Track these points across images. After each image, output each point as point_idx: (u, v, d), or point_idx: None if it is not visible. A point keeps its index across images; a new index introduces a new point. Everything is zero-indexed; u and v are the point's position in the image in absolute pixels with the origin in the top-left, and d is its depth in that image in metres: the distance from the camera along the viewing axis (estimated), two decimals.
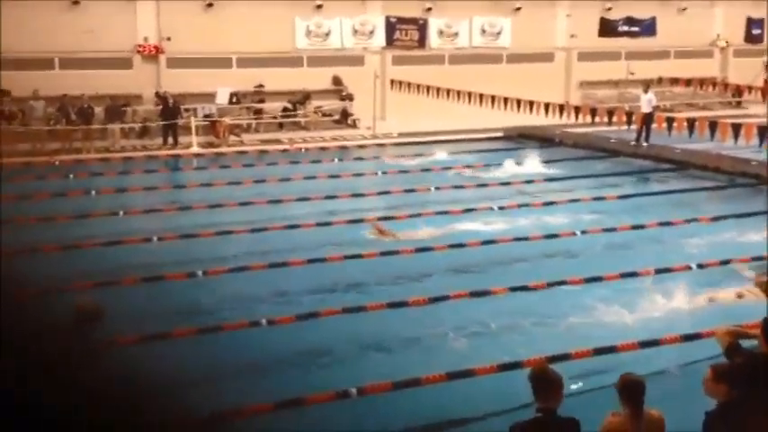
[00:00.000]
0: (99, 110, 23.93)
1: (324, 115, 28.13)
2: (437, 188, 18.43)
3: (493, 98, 24.65)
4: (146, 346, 8.96)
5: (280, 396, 8.00)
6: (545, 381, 5.19)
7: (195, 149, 23.82)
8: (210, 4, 26.81)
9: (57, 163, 21.42)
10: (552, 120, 24.66)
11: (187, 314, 10.82)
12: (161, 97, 24.95)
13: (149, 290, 11.24)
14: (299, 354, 9.51)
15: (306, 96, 27.81)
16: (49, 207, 16.09)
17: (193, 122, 24.45)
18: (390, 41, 29.99)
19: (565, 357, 8.58)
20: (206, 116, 25.92)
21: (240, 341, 9.82)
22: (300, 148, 24.38)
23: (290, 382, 8.88)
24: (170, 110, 24.30)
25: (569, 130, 25.10)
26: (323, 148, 24.45)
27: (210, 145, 24.60)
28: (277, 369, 9.24)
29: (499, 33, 31.65)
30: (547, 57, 32.38)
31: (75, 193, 17.70)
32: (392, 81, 27.79)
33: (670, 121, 22.12)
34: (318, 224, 15.00)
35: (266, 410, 7.72)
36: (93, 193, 17.87)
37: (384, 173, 20.54)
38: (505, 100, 24.41)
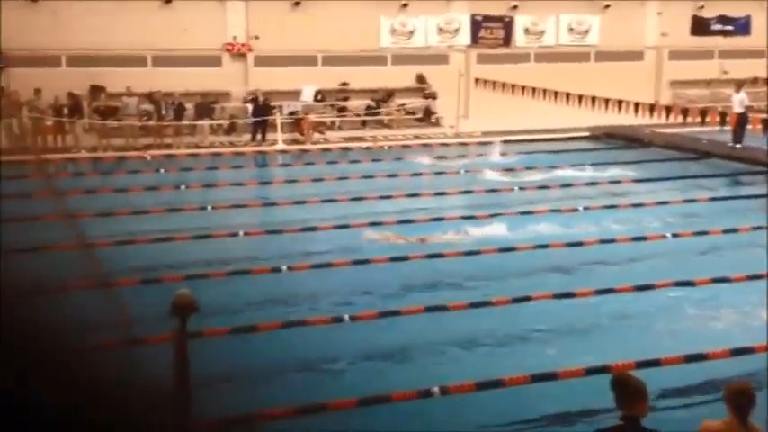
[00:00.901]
0: (189, 106, 24.53)
1: (407, 113, 28.16)
2: (521, 188, 18.24)
3: (580, 97, 24.24)
4: (232, 338, 9.15)
5: (362, 392, 8.06)
6: (627, 388, 5.01)
7: (280, 146, 24.19)
8: (298, 3, 27.17)
9: (149, 158, 22.04)
10: (641, 120, 24.10)
11: (272, 308, 11.00)
12: (252, 96, 25.43)
13: (236, 283, 11.46)
14: (381, 351, 9.56)
15: (389, 94, 27.90)
16: (142, 200, 16.60)
17: (279, 120, 24.82)
18: (475, 40, 29.83)
19: (654, 363, 8.37)
20: (291, 114, 26.27)
21: (323, 336, 9.93)
22: (383, 146, 24.47)
23: (372, 378, 8.93)
24: (260, 108, 24.75)
25: (659, 130, 24.49)
26: (405, 146, 24.48)
27: (295, 142, 24.93)
28: (359, 365, 9.30)
29: (587, 31, 31.12)
30: (636, 55, 31.67)
31: (165, 188, 18.17)
32: (476, 79, 27.64)
33: (765, 122, 21.34)
34: (400, 222, 15.03)
35: (349, 406, 7.79)
36: (183, 187, 18.31)
37: (467, 171, 20.43)
38: (593, 99, 23.97)
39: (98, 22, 24.62)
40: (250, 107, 25.36)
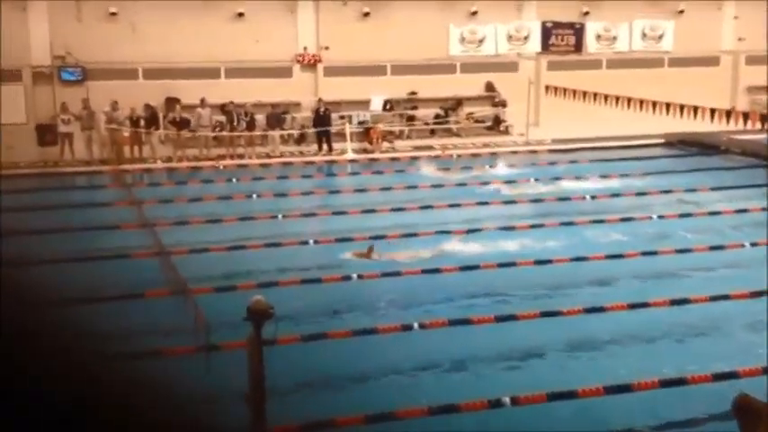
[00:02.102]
0: (260, 117, 24.92)
1: (476, 122, 28.06)
2: (593, 197, 17.97)
3: (653, 104, 23.75)
4: (305, 345, 9.25)
5: (433, 400, 8.06)
6: (748, 412, 4.66)
7: (350, 155, 24.37)
8: (367, 14, 27.37)
9: (221, 167, 22.47)
10: (716, 126, 23.47)
11: (342, 316, 11.10)
12: (314, 107, 25.73)
13: (307, 291, 11.58)
14: (451, 359, 9.55)
15: (458, 103, 27.84)
16: (215, 209, 16.93)
17: (348, 129, 25.02)
18: (546, 47, 29.55)
19: (731, 376, 8.15)
20: (360, 123, 26.46)
21: (393, 344, 9.96)
22: (452, 155, 24.42)
23: (442, 387, 8.93)
24: (321, 118, 25.00)
25: (736, 137, 23.84)
26: (475, 155, 24.39)
27: (364, 151, 25.08)
28: (429, 373, 9.31)
29: (661, 37, 30.50)
30: (712, 61, 30.90)
31: (238, 197, 18.49)
32: (546, 87, 27.33)
33: None
34: (469, 231, 14.98)
35: (419, 415, 7.80)
36: (255, 196, 18.59)
37: (537, 180, 20.23)
38: (667, 106, 23.46)
39: (174, 35, 25.26)
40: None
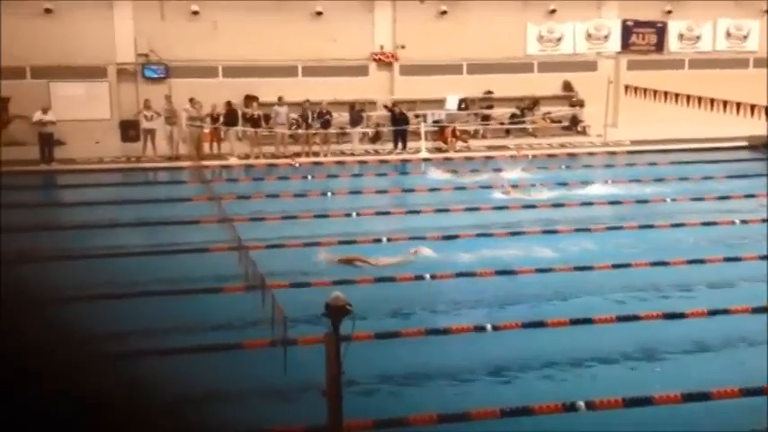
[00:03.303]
0: (336, 115, 25.15)
1: (552, 122, 27.72)
2: (673, 199, 17.57)
3: (737, 105, 23.06)
4: (378, 343, 9.32)
5: (505, 402, 8.02)
6: None
7: (424, 154, 24.37)
8: (444, 12, 27.32)
9: (297, 165, 22.76)
10: None
11: (415, 315, 11.13)
12: (388, 108, 25.82)
13: (381, 289, 11.65)
14: (524, 361, 9.49)
15: (534, 102, 27.56)
16: (291, 206, 17.17)
17: (423, 128, 25.04)
18: (626, 46, 28.97)
19: None
20: (435, 122, 26.44)
21: (465, 345, 9.96)
22: (527, 155, 24.19)
23: (515, 388, 8.88)
24: (397, 118, 25.09)
25: None
26: (551, 155, 24.11)
27: (438, 150, 25.06)
28: (502, 375, 9.26)
29: (746, 36, 29.57)
30: None
31: (313, 194, 18.71)
32: (626, 87, 26.80)
33: None
34: (544, 232, 14.84)
35: (492, 416, 7.78)
36: (330, 194, 18.77)
37: (614, 181, 19.86)
38: (752, 107, 22.74)
39: (253, 33, 25.69)
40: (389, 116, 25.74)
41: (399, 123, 24.93)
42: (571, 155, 24.18)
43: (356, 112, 25.48)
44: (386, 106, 26.08)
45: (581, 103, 27.79)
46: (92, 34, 24.75)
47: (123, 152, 23.90)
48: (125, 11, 25.48)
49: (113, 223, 15.92)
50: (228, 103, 24.12)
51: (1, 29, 22.43)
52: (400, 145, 24.83)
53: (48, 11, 24.62)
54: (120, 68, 25.60)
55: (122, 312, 10.87)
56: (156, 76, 25.69)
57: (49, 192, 20.85)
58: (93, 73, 25.31)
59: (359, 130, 25.40)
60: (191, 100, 23.48)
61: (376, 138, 26.08)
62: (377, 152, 24.93)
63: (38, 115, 21.94)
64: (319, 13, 26.49)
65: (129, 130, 24.92)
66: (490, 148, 25.31)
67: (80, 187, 19.77)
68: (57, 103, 23.44)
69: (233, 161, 23.13)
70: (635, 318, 10.20)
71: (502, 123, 27.35)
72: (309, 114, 24.36)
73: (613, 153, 24.49)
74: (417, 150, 24.55)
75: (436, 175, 21.01)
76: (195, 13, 25.70)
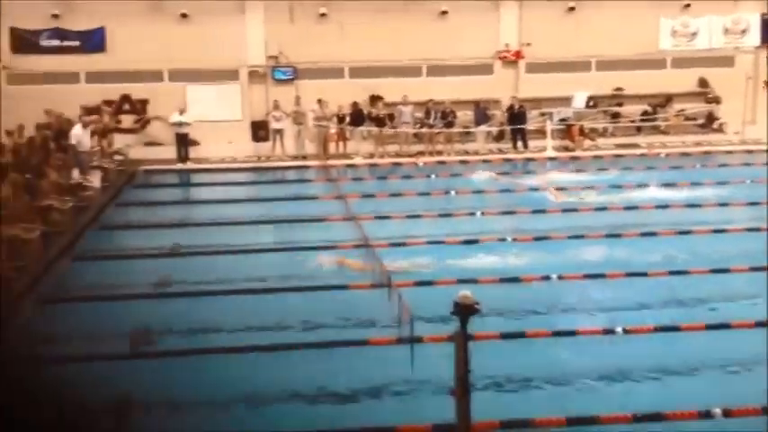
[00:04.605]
0: (460, 114, 25.08)
1: (686, 119, 26.70)
2: None
3: None
4: (502, 343, 9.23)
5: (636, 407, 7.78)
6: None
7: (549, 153, 23.99)
8: (572, 8, 26.78)
9: (420, 164, 22.86)
10: None
11: (540, 315, 10.95)
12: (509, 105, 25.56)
13: (506, 289, 11.52)
14: (657, 366, 9.16)
15: (667, 99, 26.64)
16: (415, 205, 17.26)
17: (549, 126, 24.65)
18: (766, 40, 27.52)
19: None
20: (561, 120, 25.97)
21: (594, 347, 9.72)
22: (659, 154, 23.40)
23: (646, 393, 8.60)
24: (515, 115, 24.75)
25: None
26: (684, 154, 23.22)
27: (565, 149, 24.60)
28: (633, 379, 8.98)
29: None
30: None
31: (436, 193, 18.72)
32: (765, 82, 25.52)
33: None
34: (678, 233, 14.29)
35: (623, 421, 7.56)
36: (453, 193, 18.74)
37: (752, 181, 18.88)
38: None
39: (378, 34, 25.96)
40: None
41: (517, 120, 24.60)
42: (706, 153, 23.20)
43: (480, 110, 25.34)
44: (509, 105, 25.74)
45: (717, 100, 26.63)
46: (225, 38, 25.68)
47: (254, 152, 24.70)
48: (256, 15, 26.29)
49: (244, 220, 16.46)
50: (354, 104, 24.49)
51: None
52: (520, 143, 24.49)
53: (183, 16, 25.71)
54: (251, 71, 26.44)
55: (253, 307, 11.24)
56: (285, 77, 26.39)
57: (185, 189, 21.78)
58: (225, 75, 26.27)
59: (483, 128, 25.25)
60: (318, 101, 23.98)
61: (500, 136, 25.86)
62: (501, 151, 24.71)
63: (175, 116, 22.96)
64: (444, 13, 26.50)
65: (260, 130, 25.72)
66: (619, 146, 24.64)
67: (213, 185, 20.59)
68: (192, 105, 24.44)
69: (358, 160, 23.47)
70: None
71: (632, 121, 26.57)
72: (433, 114, 24.41)
73: (751, 151, 23.31)
74: (543, 149, 24.18)
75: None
76: (323, 15, 26.22)
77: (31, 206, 14.01)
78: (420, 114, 24.75)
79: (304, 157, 23.53)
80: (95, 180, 18.47)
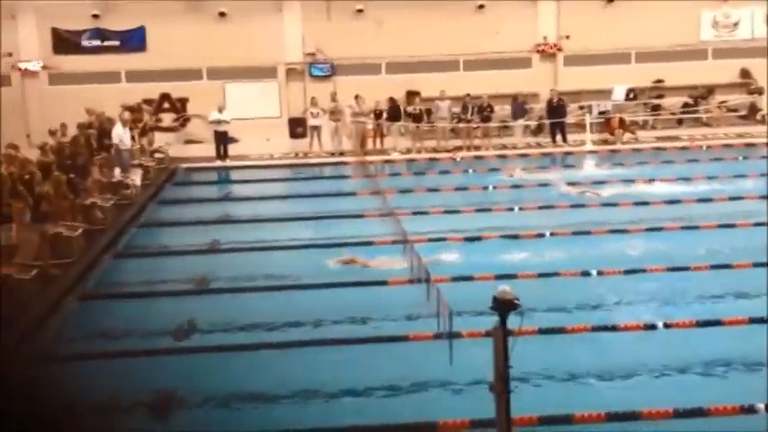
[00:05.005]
0: (498, 108, 24.93)
1: (728, 111, 26.26)
2: None
3: None
4: (543, 338, 9.18)
5: (677, 402, 7.69)
6: None
7: (588, 147, 23.76)
8: (611, 0, 26.51)
9: (458, 159, 22.78)
10: None
11: (580, 311, 10.87)
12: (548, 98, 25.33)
13: (545, 285, 11.45)
14: (698, 361, 9.05)
15: (709, 91, 26.23)
16: (453, 200, 17.22)
17: (588, 119, 24.41)
18: None
19: None
20: (600, 113, 25.71)
21: (634, 342, 9.64)
22: (701, 146, 23.05)
23: (686, 388, 8.50)
24: (554, 108, 24.53)
25: None
26: (727, 146, 22.84)
27: (604, 142, 24.35)
28: (674, 374, 8.88)
29: None
30: None
31: (474, 188, 18.65)
32: None
33: None
34: (720, 226, 14.07)
35: (664, 417, 7.48)
36: (491, 187, 18.64)
37: None
38: None
39: (415, 29, 25.91)
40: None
41: (556, 114, 24.36)
42: (749, 145, 22.80)
43: (518, 104, 25.17)
44: (548, 99, 25.51)
45: (760, 91, 26.17)
46: (262, 36, 25.87)
47: (291, 148, 24.81)
48: (294, 12, 26.43)
49: (282, 217, 16.56)
50: (391, 99, 24.48)
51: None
52: (559, 137, 24.27)
53: (222, 14, 25.93)
54: (288, 68, 26.60)
55: (291, 303, 11.32)
56: (322, 74, 26.50)
57: (224, 187, 21.98)
58: (263, 73, 26.46)
59: (521, 122, 25.08)
60: (355, 97, 24.02)
61: (538, 130, 25.67)
62: (539, 145, 24.53)
63: (213, 114, 23.16)
64: (481, 7, 26.39)
65: (297, 126, 25.85)
66: (660, 139, 24.32)
67: (252, 182, 20.74)
68: (230, 103, 24.63)
69: (395, 156, 23.46)
70: None
71: (673, 113, 26.21)
72: (470, 108, 24.31)
73: None
74: (582, 143, 23.96)
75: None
76: (360, 11, 26.27)
77: (74, 204, 14.26)
78: (457, 109, 24.64)
79: (341, 154, 23.57)
80: (136, 178, 18.72)
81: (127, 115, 19.52)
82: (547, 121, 24.88)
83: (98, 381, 8.95)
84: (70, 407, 8.17)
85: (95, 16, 25.91)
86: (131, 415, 8.27)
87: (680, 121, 26.18)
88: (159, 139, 24.21)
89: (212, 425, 8.03)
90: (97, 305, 11.89)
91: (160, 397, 8.55)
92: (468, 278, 11.43)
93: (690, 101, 26.24)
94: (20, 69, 26.12)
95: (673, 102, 26.44)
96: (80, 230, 13.42)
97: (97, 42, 26.19)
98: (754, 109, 26.09)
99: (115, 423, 8.10)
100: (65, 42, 26.18)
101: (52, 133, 18.79)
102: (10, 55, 25.88)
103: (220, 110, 23.23)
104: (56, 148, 16.82)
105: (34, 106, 25.83)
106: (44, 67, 26.16)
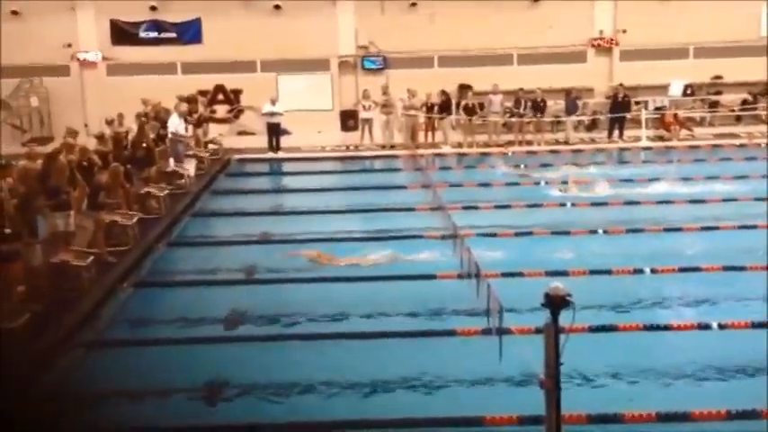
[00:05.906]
0: (551, 103, 24.69)
1: None
2: None
3: None
4: (592, 336, 9.09)
5: (731, 404, 7.56)
6: None
7: (644, 143, 23.42)
8: None
9: (509, 154, 22.62)
10: None
11: (632, 309, 10.74)
12: (613, 93, 24.96)
13: (595, 282, 11.31)
14: (752, 363, 8.86)
15: None
16: (503, 195, 17.11)
17: (643, 115, 24.05)
18: None
19: None
20: (657, 109, 25.30)
21: (687, 342, 9.48)
22: (759, 144, 22.52)
23: (740, 390, 8.35)
24: (619, 104, 24.17)
25: None
26: None
27: (660, 138, 23.96)
28: (727, 376, 8.73)
29: None
30: None
31: (525, 183, 18.51)
32: None
33: None
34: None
35: (717, 418, 7.36)
36: (543, 182, 18.48)
37: None
38: None
39: (468, 23, 25.82)
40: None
41: (620, 109, 24.01)
42: None
43: (571, 99, 24.89)
44: (613, 94, 25.07)
45: None
46: (316, 29, 26.02)
47: (342, 141, 24.92)
48: (347, 5, 26.56)
49: (333, 209, 16.65)
50: (443, 93, 24.40)
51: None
52: (616, 133, 23.93)
53: (276, 7, 26.16)
54: (341, 61, 26.72)
55: (341, 295, 11.38)
56: (374, 67, 26.57)
57: (276, 178, 22.18)
58: (316, 65, 26.63)
59: (574, 118, 24.79)
60: (408, 90, 24.00)
61: (592, 126, 25.36)
62: (593, 140, 24.23)
63: (267, 107, 23.35)
64: (536, 0, 26.14)
65: (349, 119, 25.95)
66: (717, 136, 23.85)
67: (304, 174, 20.89)
68: (283, 95, 24.83)
69: (447, 150, 23.40)
70: None
71: (732, 110, 25.67)
72: (523, 103, 24.11)
73: None
74: (637, 139, 23.61)
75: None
76: (413, 5, 26.28)
77: (130, 193, 14.52)
78: (510, 103, 24.47)
79: (392, 147, 23.59)
80: (190, 168, 18.98)
81: (184, 106, 19.77)
82: (605, 116, 24.55)
83: (149, 367, 9.14)
84: (122, 391, 8.36)
85: (153, 8, 26.36)
86: (180, 401, 8.42)
87: (738, 118, 25.65)
88: (213, 130, 24.52)
89: (269, 413, 8.11)
90: (151, 292, 12.12)
91: (211, 385, 8.68)
92: (519, 274, 11.33)
93: (749, 98, 25.71)
94: (79, 60, 26.72)
95: (731, 98, 25.90)
96: (135, 219, 13.67)
97: (154, 34, 26.65)
98: None
99: (162, 409, 8.25)
100: (123, 34, 26.70)
101: (109, 123, 19.14)
102: (69, 46, 26.51)
103: (273, 102, 23.41)
104: (114, 137, 17.13)
105: (92, 96, 26.41)
106: (103, 59, 26.70)
